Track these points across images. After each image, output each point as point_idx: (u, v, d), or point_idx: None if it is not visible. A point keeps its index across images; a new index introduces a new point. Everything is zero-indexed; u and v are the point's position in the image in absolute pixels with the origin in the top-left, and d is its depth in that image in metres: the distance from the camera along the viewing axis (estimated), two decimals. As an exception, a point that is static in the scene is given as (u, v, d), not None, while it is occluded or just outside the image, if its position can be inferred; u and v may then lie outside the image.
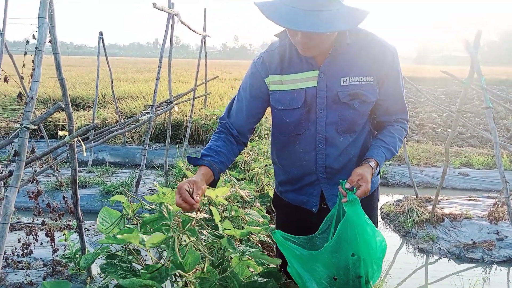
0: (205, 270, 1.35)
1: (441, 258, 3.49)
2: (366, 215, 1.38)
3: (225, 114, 1.60)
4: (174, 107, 4.09)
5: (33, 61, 1.62)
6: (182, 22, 3.84)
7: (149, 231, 1.51)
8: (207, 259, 1.41)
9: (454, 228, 3.83)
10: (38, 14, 1.55)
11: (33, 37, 1.70)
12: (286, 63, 1.46)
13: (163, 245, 1.45)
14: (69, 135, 2.03)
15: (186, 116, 7.32)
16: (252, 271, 1.74)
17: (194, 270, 1.29)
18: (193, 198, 1.27)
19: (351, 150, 1.52)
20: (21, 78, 2.64)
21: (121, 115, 7.61)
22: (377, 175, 1.61)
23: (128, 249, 1.52)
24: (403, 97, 1.53)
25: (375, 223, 1.67)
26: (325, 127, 1.47)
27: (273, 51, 1.49)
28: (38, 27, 1.58)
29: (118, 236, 1.25)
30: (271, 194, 2.84)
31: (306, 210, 1.63)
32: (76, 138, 2.07)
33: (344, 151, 1.51)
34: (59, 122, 7.40)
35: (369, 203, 1.62)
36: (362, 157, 1.54)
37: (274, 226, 2.20)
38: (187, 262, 1.28)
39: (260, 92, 1.52)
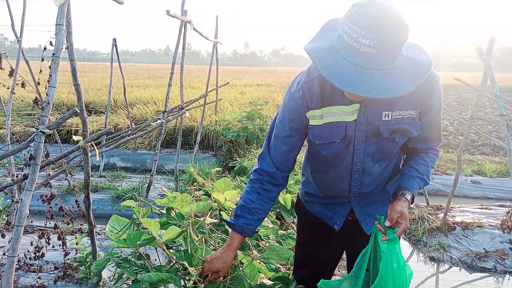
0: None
1: (452, 267, 3.45)
2: (401, 254, 1.38)
3: (264, 151, 1.51)
4: (185, 113, 4.12)
5: (49, 67, 1.66)
6: (194, 29, 3.88)
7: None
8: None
9: (466, 237, 3.77)
10: (56, 21, 1.59)
11: (50, 43, 1.74)
12: (328, 94, 1.36)
13: (173, 251, 1.47)
14: (83, 139, 2.06)
15: (196, 122, 7.37)
16: (263, 277, 1.75)
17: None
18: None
19: (384, 173, 1.51)
20: (37, 83, 2.70)
21: (133, 121, 7.69)
22: (412, 204, 1.59)
23: (138, 254, 1.54)
24: (440, 126, 1.47)
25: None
26: (363, 159, 1.43)
27: (312, 81, 1.37)
28: (55, 34, 1.62)
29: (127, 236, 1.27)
30: (281, 201, 2.84)
31: (328, 225, 1.62)
32: (90, 143, 2.11)
33: (378, 176, 1.50)
34: (71, 127, 7.50)
35: None
36: (393, 176, 1.54)
37: (284, 231, 2.21)
38: (196, 256, 1.29)
39: (301, 125, 1.43)
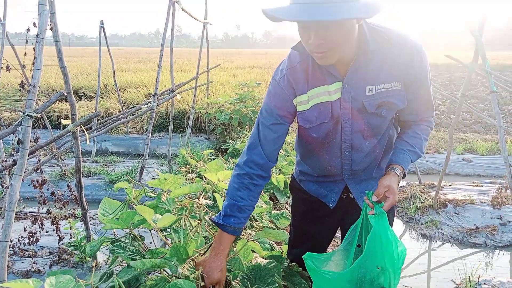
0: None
1: (444, 243, 3.51)
2: (391, 228, 1.38)
3: (255, 142, 1.46)
4: (176, 95, 4.08)
5: (34, 49, 1.62)
6: (183, 9, 3.81)
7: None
8: (210, 243, 1.42)
9: (457, 214, 3.83)
10: (38, 1, 1.54)
11: (34, 25, 1.69)
12: (311, 77, 1.37)
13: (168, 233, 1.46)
14: (72, 123, 2.03)
15: (188, 105, 7.31)
16: (256, 256, 1.76)
17: (197, 254, 1.30)
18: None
19: (376, 149, 1.49)
20: (23, 67, 2.64)
21: (124, 105, 7.61)
22: (403, 178, 1.57)
23: (132, 235, 1.53)
24: (430, 95, 1.44)
25: (392, 219, 1.67)
26: (351, 136, 1.42)
27: (295, 67, 1.38)
28: (38, 15, 1.57)
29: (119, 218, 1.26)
30: (274, 181, 2.85)
31: (323, 203, 1.63)
32: (79, 127, 2.07)
33: (370, 153, 1.48)
34: (62, 112, 7.42)
35: None
36: (386, 152, 1.52)
37: (277, 211, 2.22)
38: (190, 248, 1.29)
39: (288, 113, 1.43)
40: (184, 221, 1.32)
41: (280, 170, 3.48)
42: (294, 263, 1.77)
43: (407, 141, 1.45)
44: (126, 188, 1.56)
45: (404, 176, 1.46)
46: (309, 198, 1.67)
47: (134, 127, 7.19)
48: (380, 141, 1.48)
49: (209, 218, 1.54)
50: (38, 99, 7.20)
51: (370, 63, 1.31)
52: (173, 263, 1.21)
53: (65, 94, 1.83)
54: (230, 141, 5.19)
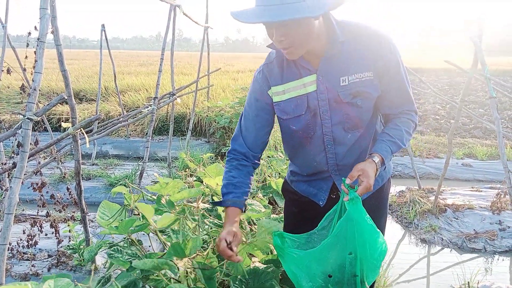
0: (205, 256, 1.36)
1: (443, 249, 3.50)
2: (368, 215, 1.36)
3: (236, 134, 1.60)
4: (176, 99, 4.09)
5: (35, 52, 1.63)
6: (184, 14, 3.83)
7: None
8: (210, 246, 1.42)
9: (457, 219, 3.83)
10: (40, 5, 1.56)
11: (35, 28, 1.70)
12: (285, 72, 1.46)
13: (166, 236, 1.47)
14: (72, 126, 2.04)
15: (189, 108, 7.33)
16: (254, 261, 1.76)
17: (195, 255, 1.30)
18: (231, 249, 1.36)
19: (361, 144, 1.50)
20: (24, 70, 2.65)
21: (124, 108, 7.62)
22: (384, 169, 1.59)
23: (130, 240, 1.53)
24: (407, 88, 1.47)
25: (384, 219, 1.67)
26: (331, 128, 1.46)
27: (271, 63, 1.49)
28: (40, 18, 1.58)
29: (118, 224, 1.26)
30: (273, 185, 2.85)
31: (314, 202, 1.63)
32: (79, 130, 2.08)
33: (353, 147, 1.50)
34: (62, 115, 7.43)
35: (378, 200, 1.61)
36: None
37: (276, 215, 2.22)
38: (188, 246, 1.29)
39: (266, 104, 1.52)
40: (183, 221, 1.33)
41: (279, 174, 3.49)
42: None
43: (387, 132, 1.47)
44: (124, 193, 1.56)
45: (383, 165, 1.44)
46: (299, 198, 1.68)
47: (135, 130, 7.20)
48: (364, 136, 1.50)
49: (212, 203, 1.58)
50: (38, 102, 7.22)
51: (341, 55, 1.38)
52: (172, 262, 1.21)
53: (66, 97, 1.84)
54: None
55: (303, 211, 1.69)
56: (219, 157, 5.20)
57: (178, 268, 1.22)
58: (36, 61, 1.60)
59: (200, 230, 1.47)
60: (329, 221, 1.45)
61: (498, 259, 3.32)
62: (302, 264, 1.39)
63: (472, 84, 13.69)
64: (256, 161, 1.60)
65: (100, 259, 2.73)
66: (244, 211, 1.55)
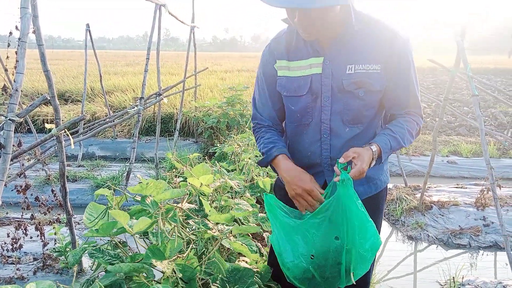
0: (186, 257, 1.36)
1: (430, 245, 3.55)
2: (360, 201, 1.31)
3: (254, 112, 1.62)
4: (163, 99, 4.07)
5: (16, 52, 1.61)
6: (169, 13, 3.80)
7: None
8: (190, 247, 1.42)
9: (442, 215, 3.89)
10: (20, 4, 1.53)
11: (16, 28, 1.67)
12: (293, 49, 1.45)
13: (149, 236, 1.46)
14: (56, 127, 2.01)
15: (176, 108, 7.29)
16: (240, 260, 1.76)
17: (175, 257, 1.30)
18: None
19: (358, 142, 1.45)
20: (5, 70, 2.61)
21: (111, 109, 7.55)
22: (380, 163, 1.54)
23: (114, 242, 1.52)
24: (415, 90, 1.45)
25: (380, 224, 1.61)
26: (330, 116, 1.44)
27: (280, 37, 1.49)
28: (20, 18, 1.56)
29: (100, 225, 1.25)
30: (261, 185, 2.86)
31: None
32: (64, 131, 2.06)
33: (349, 143, 1.45)
34: (47, 116, 7.32)
35: (374, 202, 1.56)
36: None
37: (264, 214, 2.22)
38: (167, 249, 1.28)
39: (274, 77, 1.52)
40: (160, 223, 1.32)
41: (267, 173, 3.49)
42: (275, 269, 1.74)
43: (389, 127, 1.44)
44: (107, 196, 1.55)
45: (379, 156, 1.40)
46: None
47: (122, 131, 7.14)
48: (364, 134, 1.46)
49: (256, 162, 1.59)
50: (23, 103, 7.10)
51: (352, 42, 1.37)
52: (149, 265, 1.20)
53: (49, 98, 1.81)
54: (218, 145, 5.18)
55: (293, 207, 1.65)
56: (206, 157, 5.18)
57: (163, 269, 1.21)
58: (17, 61, 1.58)
59: (181, 231, 1.47)
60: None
61: (482, 254, 3.38)
62: (289, 234, 1.35)
63: (457, 82, 13.90)
64: (281, 127, 1.62)
65: (86, 261, 2.70)
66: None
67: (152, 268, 1.24)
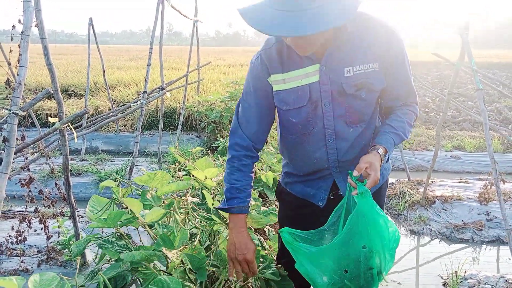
0: (194, 248, 1.37)
1: (432, 239, 3.55)
2: (378, 206, 1.33)
3: (235, 127, 1.52)
4: (165, 93, 4.07)
5: (19, 46, 1.61)
6: (172, 7, 3.79)
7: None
8: (197, 238, 1.43)
9: (445, 210, 3.88)
10: (23, -2, 1.53)
11: (19, 21, 1.68)
12: (286, 60, 1.38)
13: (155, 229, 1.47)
14: (59, 121, 2.02)
15: (179, 103, 7.29)
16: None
17: (182, 247, 1.31)
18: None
19: (362, 140, 1.46)
20: (9, 64, 2.62)
21: (114, 103, 7.56)
22: (387, 161, 1.54)
23: (119, 234, 1.53)
24: (410, 80, 1.45)
25: (382, 206, 1.63)
26: (333, 121, 1.41)
27: (270, 49, 1.40)
28: (23, 11, 1.56)
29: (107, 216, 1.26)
30: (263, 179, 2.86)
31: (312, 204, 1.58)
32: (67, 125, 2.06)
33: (355, 142, 1.45)
34: (51, 110, 7.35)
35: (377, 194, 1.57)
36: None
37: (266, 208, 2.22)
38: (177, 238, 1.29)
39: (266, 92, 1.45)
40: (173, 214, 1.33)
41: (270, 167, 3.50)
42: (280, 265, 1.73)
43: (390, 124, 1.44)
44: (112, 187, 1.55)
45: (387, 159, 1.40)
46: (296, 202, 1.62)
47: (125, 125, 7.15)
48: (366, 131, 1.46)
49: (214, 208, 1.59)
50: (26, 97, 7.13)
51: (347, 45, 1.34)
52: (161, 253, 1.21)
53: (52, 91, 1.82)
54: (221, 139, 5.19)
55: (300, 214, 1.63)
56: (209, 151, 5.19)
57: (168, 258, 1.22)
58: (20, 55, 1.58)
59: (189, 223, 1.48)
60: (338, 216, 1.43)
61: (485, 249, 3.38)
62: (315, 260, 1.37)
63: (462, 77, 13.81)
64: (257, 154, 1.55)
65: (90, 254, 2.72)
66: (248, 211, 1.53)
67: (164, 257, 1.25)
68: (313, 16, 1.09)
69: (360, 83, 1.35)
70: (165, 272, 1.28)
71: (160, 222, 1.38)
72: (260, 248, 1.87)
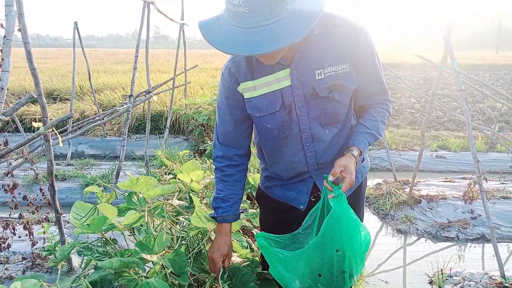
0: (175, 252, 1.36)
1: (419, 238, 3.60)
2: (352, 210, 1.34)
3: (215, 139, 1.57)
4: (152, 96, 4.05)
5: (1, 50, 1.59)
6: (158, 10, 3.78)
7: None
8: (179, 243, 1.42)
9: (431, 209, 3.94)
10: (5, 1, 1.52)
11: (1, 26, 1.66)
12: (256, 66, 1.37)
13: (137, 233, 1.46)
14: (43, 126, 2.00)
15: (166, 106, 7.26)
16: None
17: (164, 252, 1.30)
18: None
19: (339, 140, 1.47)
20: (-9, 69, 2.57)
21: (100, 107, 7.50)
22: (363, 161, 1.55)
23: (104, 239, 1.52)
24: (381, 78, 1.45)
25: (362, 213, 1.64)
26: (309, 124, 1.40)
27: (238, 58, 1.40)
28: (5, 16, 1.54)
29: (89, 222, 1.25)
30: (251, 181, 2.87)
31: (292, 207, 1.58)
32: (51, 129, 2.04)
33: (332, 143, 1.45)
34: (36, 115, 7.24)
35: (357, 196, 1.58)
36: None
37: (254, 210, 2.23)
38: (155, 243, 1.29)
39: (238, 101, 1.45)
40: (148, 218, 1.32)
41: (257, 169, 3.50)
42: (266, 271, 1.74)
43: (363, 124, 1.45)
44: (96, 192, 1.54)
45: (363, 160, 1.41)
46: (277, 205, 1.62)
47: (111, 129, 7.09)
48: (342, 131, 1.47)
49: (210, 215, 1.63)
50: (10, 102, 7.01)
51: (316, 47, 1.32)
52: (139, 259, 1.21)
53: (35, 96, 1.80)
54: (208, 142, 5.18)
55: (281, 218, 1.63)
56: (197, 155, 5.18)
57: (152, 262, 1.22)
58: (3, 59, 1.57)
59: (171, 226, 1.47)
60: (313, 219, 1.43)
61: (470, 247, 3.44)
62: (290, 265, 1.37)
63: (446, 78, 14.02)
64: (244, 158, 1.58)
65: (76, 260, 2.69)
66: (237, 219, 1.61)
67: (143, 263, 1.25)
68: (272, 32, 1.08)
69: (332, 85, 1.35)
70: (146, 277, 1.27)
71: (139, 226, 1.38)
72: (248, 250, 1.87)
